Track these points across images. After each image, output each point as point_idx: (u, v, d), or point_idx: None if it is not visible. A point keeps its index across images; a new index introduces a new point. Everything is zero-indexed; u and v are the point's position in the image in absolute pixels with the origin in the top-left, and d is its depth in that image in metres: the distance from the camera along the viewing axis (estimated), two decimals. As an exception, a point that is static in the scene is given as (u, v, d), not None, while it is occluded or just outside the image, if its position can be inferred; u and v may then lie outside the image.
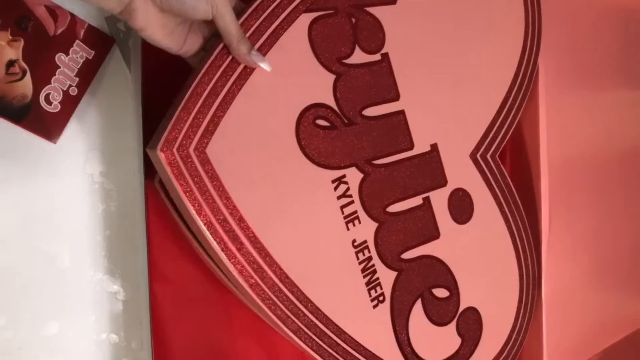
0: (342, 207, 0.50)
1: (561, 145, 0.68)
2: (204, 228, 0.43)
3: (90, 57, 0.55)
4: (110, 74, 0.56)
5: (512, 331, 0.61)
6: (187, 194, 0.42)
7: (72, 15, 0.54)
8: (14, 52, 0.51)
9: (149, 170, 0.50)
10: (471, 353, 0.58)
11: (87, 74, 0.54)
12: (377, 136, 0.53)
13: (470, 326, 0.58)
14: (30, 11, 0.52)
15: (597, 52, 0.76)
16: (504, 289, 0.62)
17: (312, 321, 0.47)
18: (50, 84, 0.53)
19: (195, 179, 0.42)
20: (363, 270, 0.51)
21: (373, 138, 0.53)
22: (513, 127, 0.63)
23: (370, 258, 0.51)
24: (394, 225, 0.54)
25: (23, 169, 0.53)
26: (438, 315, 0.56)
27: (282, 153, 0.47)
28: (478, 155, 0.60)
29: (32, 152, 0.53)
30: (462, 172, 0.59)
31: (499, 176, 0.62)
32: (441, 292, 0.56)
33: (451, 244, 0.57)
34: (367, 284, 0.51)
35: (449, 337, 0.57)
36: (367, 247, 0.51)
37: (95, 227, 0.56)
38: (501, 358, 0.60)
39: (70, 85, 0.54)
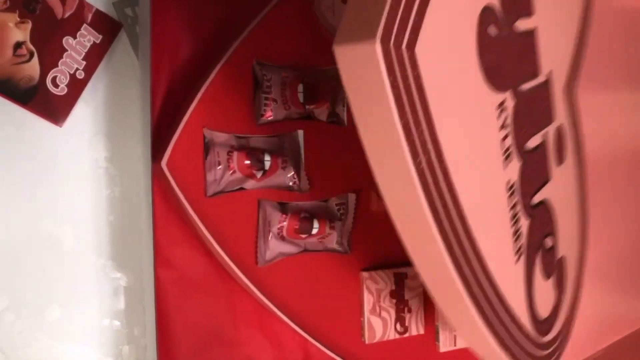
0: (502, 140, 0.42)
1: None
2: (401, 133, 0.33)
3: (97, 42, 0.54)
4: (117, 59, 0.56)
5: (577, 277, 0.56)
6: (396, 97, 0.33)
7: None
8: (22, 33, 0.51)
9: (155, 153, 0.50)
10: (560, 307, 0.52)
11: (94, 58, 0.54)
12: (518, 55, 0.44)
13: (562, 277, 0.52)
14: (38, -6, 0.52)
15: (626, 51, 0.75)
16: (576, 234, 0.56)
17: (465, 250, 0.39)
18: (58, 66, 0.53)
19: (405, 81, 0.33)
20: (511, 218, 0.43)
21: (516, 57, 0.44)
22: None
23: (516, 204, 0.43)
24: (529, 166, 0.45)
25: (28, 151, 0.53)
26: (547, 267, 0.49)
27: (465, 65, 0.38)
28: (566, 90, 0.53)
29: (38, 135, 0.53)
30: (561, 108, 0.52)
31: (575, 112, 0.55)
32: (549, 242, 0.50)
33: (556, 187, 0.50)
34: (513, 234, 0.43)
35: (550, 291, 0.51)
36: (514, 190, 0.43)
37: (99, 212, 0.56)
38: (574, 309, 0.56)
39: (77, 69, 0.53)
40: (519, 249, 0.44)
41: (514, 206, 0.44)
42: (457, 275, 0.38)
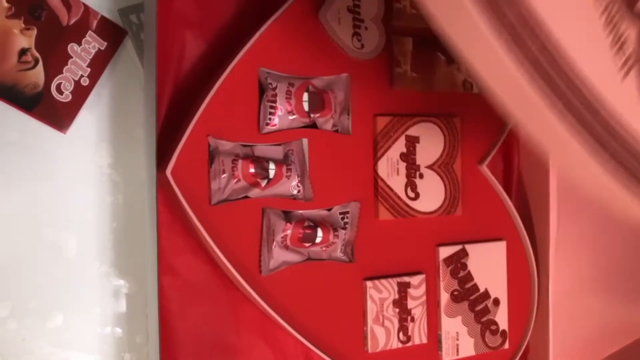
0: None
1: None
2: None
3: (102, 48, 0.54)
4: (121, 66, 0.56)
5: None
6: None
7: (86, 6, 0.54)
8: (27, 40, 0.51)
9: (160, 161, 0.50)
10: None
11: (99, 65, 0.54)
12: None
13: None
14: (43, 0, 0.52)
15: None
16: None
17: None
18: (62, 73, 0.52)
19: None
20: (607, 22, 0.35)
21: None
22: None
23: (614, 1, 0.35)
24: None
25: (32, 158, 0.53)
26: None
27: None
28: None
29: (42, 141, 0.53)
30: None
31: None
32: None
33: None
34: (613, 42, 0.35)
35: None
36: None
37: (102, 219, 0.56)
38: None
39: (81, 76, 0.53)
40: (626, 60, 0.36)
41: (610, 4, 0.35)
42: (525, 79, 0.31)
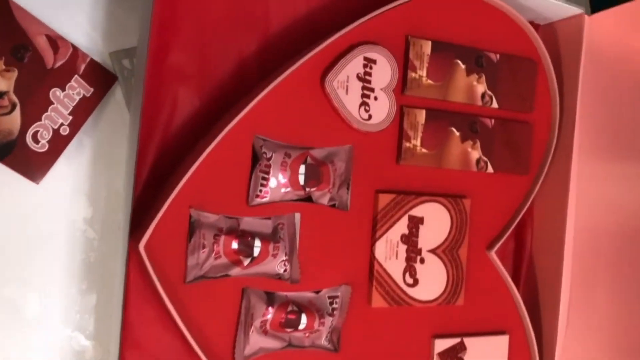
0: None
1: (588, 215, 0.64)
2: None
3: (87, 95, 0.50)
4: (108, 114, 0.52)
5: None
6: None
7: (75, 48, 0.50)
8: (6, 83, 0.47)
9: (134, 228, 0.46)
10: None
11: (82, 113, 0.50)
12: None
13: None
14: (29, 40, 0.48)
15: (633, 124, 0.73)
16: None
17: None
18: (41, 120, 0.48)
19: None
20: None
21: None
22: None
23: None
24: None
25: (0, 207, 0.49)
26: None
27: None
28: None
29: (12, 190, 0.49)
30: None
31: None
32: None
33: None
34: None
35: None
36: None
37: (70, 278, 0.51)
38: None
39: (61, 124, 0.49)
40: None
41: None
42: None
